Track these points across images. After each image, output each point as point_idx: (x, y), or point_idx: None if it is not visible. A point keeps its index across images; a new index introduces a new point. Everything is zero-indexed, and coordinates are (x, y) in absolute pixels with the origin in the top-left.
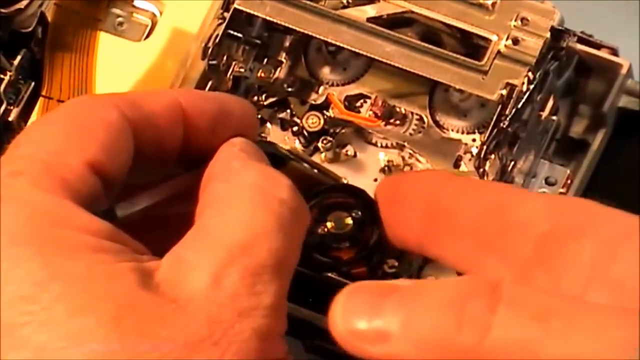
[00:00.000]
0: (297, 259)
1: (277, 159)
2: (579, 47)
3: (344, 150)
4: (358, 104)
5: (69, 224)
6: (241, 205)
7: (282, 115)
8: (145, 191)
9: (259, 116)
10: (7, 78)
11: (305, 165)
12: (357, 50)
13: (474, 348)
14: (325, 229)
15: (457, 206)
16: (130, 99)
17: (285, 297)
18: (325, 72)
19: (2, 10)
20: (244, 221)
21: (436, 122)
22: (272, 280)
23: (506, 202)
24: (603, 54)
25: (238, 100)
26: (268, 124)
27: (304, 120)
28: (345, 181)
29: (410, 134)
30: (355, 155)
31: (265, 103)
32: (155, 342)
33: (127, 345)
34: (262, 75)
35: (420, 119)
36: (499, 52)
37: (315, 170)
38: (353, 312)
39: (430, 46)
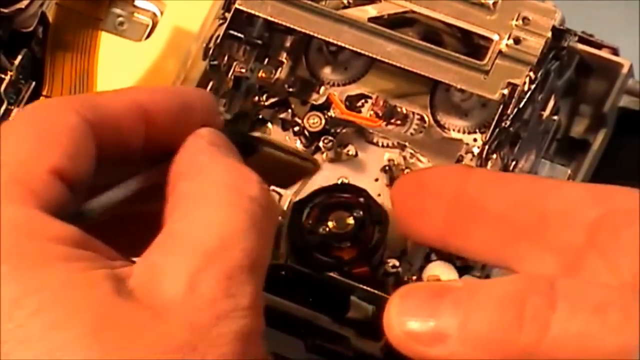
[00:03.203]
0: (269, 256)
1: (248, 147)
2: (580, 46)
3: (345, 150)
4: (359, 104)
5: (41, 235)
6: (212, 205)
7: (283, 115)
8: (111, 189)
9: (260, 116)
10: (7, 78)
11: (278, 151)
12: (358, 50)
13: (535, 346)
14: (327, 229)
15: (485, 196)
16: (90, 100)
17: (262, 295)
18: (326, 72)
19: (3, 10)
20: (216, 222)
21: (437, 122)
22: (248, 280)
23: (541, 190)
24: (604, 53)
25: (199, 91)
26: (269, 124)
27: (305, 121)
28: (345, 181)
29: (412, 134)
30: (356, 155)
31: (266, 103)
32: (136, 351)
33: (108, 356)
34: (263, 75)
35: (422, 118)
36: (500, 51)
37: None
38: (409, 314)
39: (431, 46)
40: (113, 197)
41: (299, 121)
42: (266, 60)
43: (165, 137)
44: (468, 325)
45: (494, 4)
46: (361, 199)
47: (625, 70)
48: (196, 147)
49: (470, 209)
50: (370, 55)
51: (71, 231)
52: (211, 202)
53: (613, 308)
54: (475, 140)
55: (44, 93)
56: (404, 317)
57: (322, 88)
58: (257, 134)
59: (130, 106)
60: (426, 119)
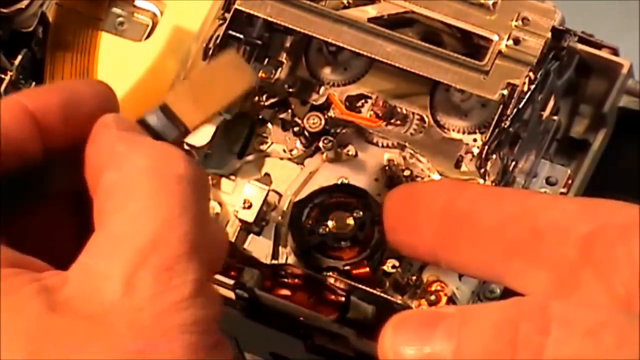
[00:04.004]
0: (208, 230)
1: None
2: (580, 47)
3: (345, 150)
4: (359, 104)
5: None
6: (140, 195)
7: (283, 115)
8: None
9: (260, 117)
10: (8, 78)
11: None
12: (357, 51)
13: None
14: (327, 229)
15: (476, 212)
16: None
17: (207, 278)
18: (326, 72)
19: (3, 10)
20: (147, 214)
21: (437, 122)
22: (188, 268)
23: (533, 205)
24: (604, 54)
25: (88, 83)
26: (269, 125)
27: (305, 121)
28: (345, 181)
29: (411, 134)
30: (356, 155)
31: (266, 103)
32: None
33: None
34: (263, 75)
35: (421, 119)
36: (500, 52)
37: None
38: (403, 343)
39: (431, 46)
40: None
41: (299, 121)
42: (266, 60)
43: (59, 134)
44: (462, 351)
45: (494, 4)
46: (361, 199)
47: (625, 70)
48: (109, 136)
49: (461, 224)
50: (370, 55)
51: None
52: (139, 192)
53: (607, 331)
54: (475, 140)
55: None
56: (399, 346)
57: (322, 88)
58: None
59: (16, 114)
60: (426, 119)
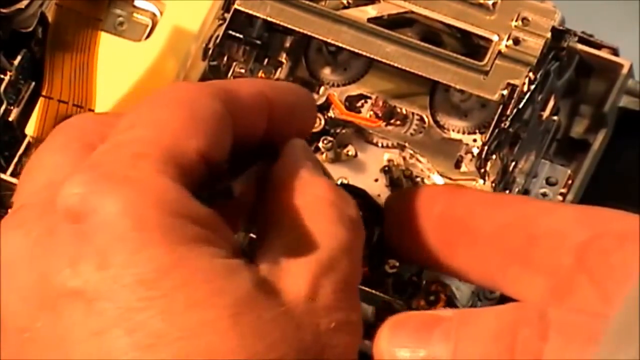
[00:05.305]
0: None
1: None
2: (580, 47)
3: (344, 151)
4: (359, 104)
5: (190, 216)
6: (322, 220)
7: None
8: (244, 172)
9: None
10: (7, 78)
11: None
12: (357, 51)
13: None
14: None
15: (473, 218)
16: (228, 89)
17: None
18: (326, 72)
19: (3, 10)
20: (327, 235)
21: (437, 123)
22: (356, 297)
23: (530, 213)
24: (604, 54)
25: (303, 90)
26: None
27: None
28: (345, 181)
29: (411, 134)
30: (356, 156)
31: None
32: (271, 344)
33: (244, 343)
34: (263, 75)
35: (421, 119)
36: (499, 52)
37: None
38: (399, 345)
39: (430, 46)
40: (246, 179)
41: None
42: (266, 60)
43: (278, 131)
44: (460, 355)
45: (494, 4)
46: (361, 199)
47: (625, 70)
48: (296, 157)
49: (458, 230)
50: (370, 55)
51: (212, 217)
52: (320, 217)
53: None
54: (474, 140)
55: (44, 93)
56: (396, 348)
57: (322, 88)
58: None
59: (259, 98)
60: (426, 119)
